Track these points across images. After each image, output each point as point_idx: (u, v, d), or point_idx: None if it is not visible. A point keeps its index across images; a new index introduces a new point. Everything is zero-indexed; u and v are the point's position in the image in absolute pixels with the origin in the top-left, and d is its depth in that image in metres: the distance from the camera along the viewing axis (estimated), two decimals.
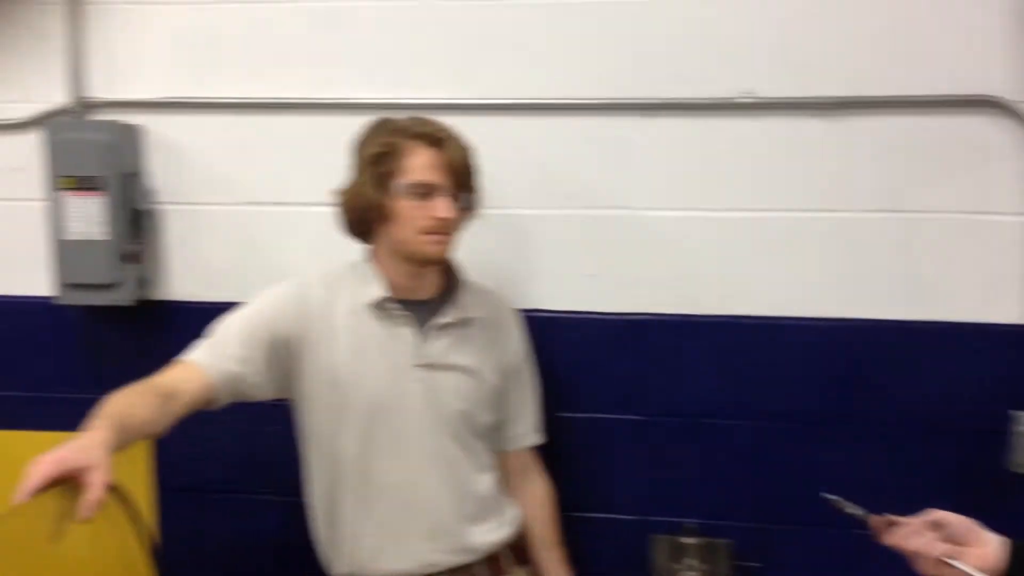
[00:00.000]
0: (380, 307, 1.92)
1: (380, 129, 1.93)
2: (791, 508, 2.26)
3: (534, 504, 2.12)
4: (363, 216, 1.92)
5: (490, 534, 1.98)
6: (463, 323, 1.98)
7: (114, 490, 1.45)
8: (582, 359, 2.29)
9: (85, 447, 1.43)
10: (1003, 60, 2.14)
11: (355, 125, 2.00)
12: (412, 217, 1.86)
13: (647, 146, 2.25)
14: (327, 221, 2.24)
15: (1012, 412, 2.15)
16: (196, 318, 2.32)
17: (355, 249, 2.02)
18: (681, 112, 2.24)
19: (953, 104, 2.16)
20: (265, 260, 2.37)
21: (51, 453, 1.39)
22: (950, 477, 2.20)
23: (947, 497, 2.15)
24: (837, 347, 2.23)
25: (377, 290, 1.92)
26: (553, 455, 2.20)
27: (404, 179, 1.86)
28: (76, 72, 2.37)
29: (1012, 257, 2.17)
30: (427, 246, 1.88)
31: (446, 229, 1.88)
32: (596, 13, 2.24)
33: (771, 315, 2.25)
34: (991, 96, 2.14)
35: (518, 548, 2.06)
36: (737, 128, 2.23)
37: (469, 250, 2.14)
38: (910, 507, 2.18)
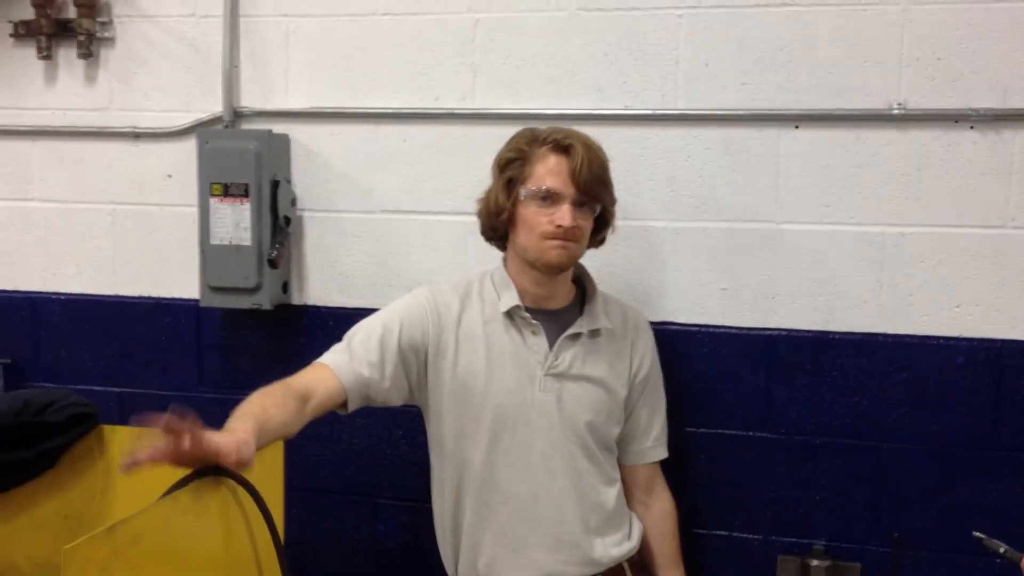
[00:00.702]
0: (513, 316, 1.94)
1: (518, 137, 1.96)
2: (924, 534, 2.18)
3: (657, 519, 2.09)
4: (494, 223, 1.95)
5: (614, 548, 1.97)
6: (594, 334, 1.98)
7: (249, 489, 1.49)
8: (712, 374, 2.25)
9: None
10: None
11: (493, 135, 2.03)
12: (536, 223, 1.88)
13: (790, 158, 2.21)
14: (462, 230, 2.29)
15: None
16: (332, 323, 2.41)
17: (488, 258, 2.04)
18: (827, 124, 2.18)
19: None
20: (400, 268, 2.41)
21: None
22: None
23: None
24: (984, 369, 2.14)
25: (511, 298, 1.93)
26: (678, 470, 2.18)
27: (528, 184, 1.89)
28: (230, 82, 2.47)
29: None
30: (549, 252, 1.88)
31: (569, 236, 1.87)
32: (741, 23, 2.21)
33: (913, 334, 2.17)
34: None
35: (639, 564, 2.05)
36: (885, 140, 2.16)
37: (602, 261, 2.16)
38: None
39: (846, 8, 2.15)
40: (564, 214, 1.85)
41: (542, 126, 1.97)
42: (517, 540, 1.92)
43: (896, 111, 2.13)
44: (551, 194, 1.87)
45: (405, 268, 2.41)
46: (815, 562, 2.17)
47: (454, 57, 2.36)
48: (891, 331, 2.18)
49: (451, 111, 2.36)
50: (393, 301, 1.99)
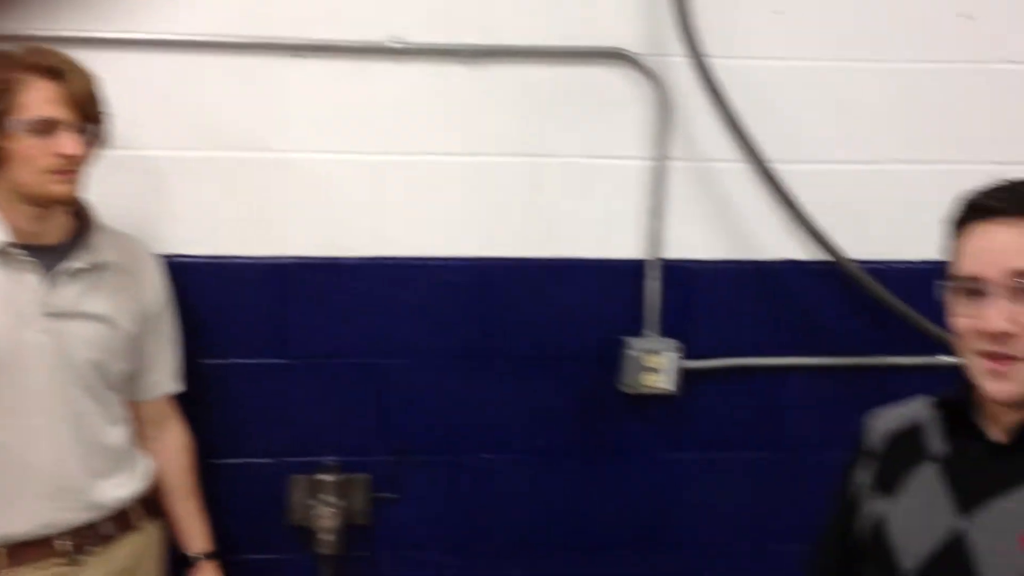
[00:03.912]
0: (2, 254, 1.80)
1: None
2: (427, 440, 2.37)
3: (170, 454, 2.10)
4: None
5: (119, 488, 1.94)
6: (96, 268, 1.90)
7: None
8: (224, 304, 2.26)
9: None
10: (633, 16, 2.29)
11: None
12: (34, 156, 1.75)
13: (296, 88, 2.23)
14: None
15: (625, 338, 2.36)
16: None
17: None
18: (332, 55, 2.23)
19: (585, 56, 2.29)
20: None
21: None
22: (576, 402, 2.41)
23: (574, 420, 2.39)
24: (477, 285, 2.34)
25: (1, 235, 1.80)
26: (194, 402, 2.19)
27: (22, 116, 1.74)
28: None
29: (631, 198, 2.35)
30: (54, 186, 1.77)
31: (73, 166, 1.78)
32: None
33: (416, 256, 2.32)
34: (620, 49, 2.28)
35: (150, 501, 2.04)
36: (387, 72, 2.25)
37: (104, 193, 2.05)
38: (541, 433, 2.38)
39: None
40: (67, 142, 1.75)
41: (13, 46, 1.81)
42: (10, 491, 1.82)
43: (394, 44, 2.23)
44: (49, 123, 1.75)
45: None
46: (325, 477, 2.28)
47: None
48: (398, 254, 2.31)
49: None
50: None
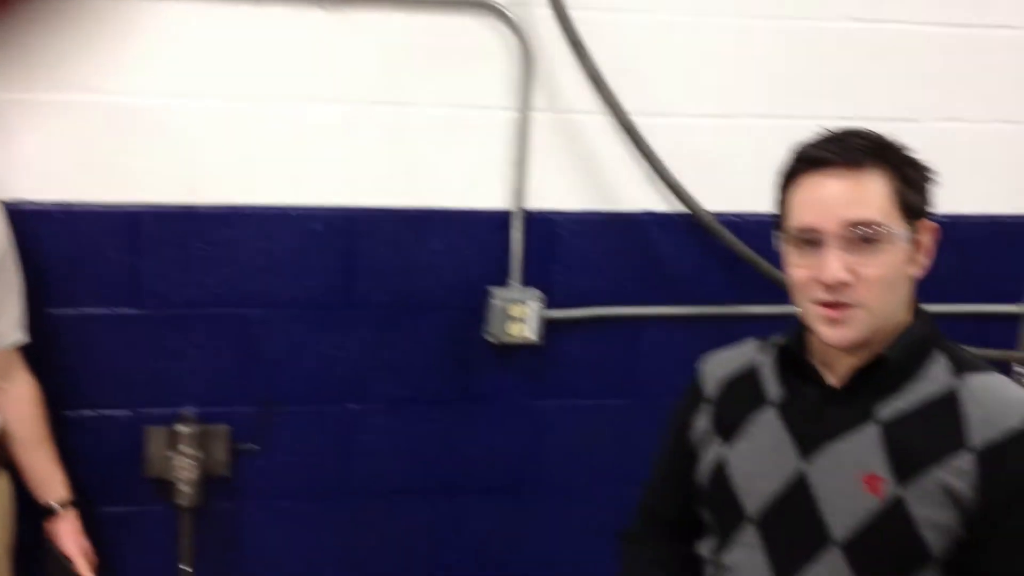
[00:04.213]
0: None
1: None
2: (290, 390, 2.36)
3: (17, 405, 2.04)
4: None
5: None
6: None
7: None
8: (73, 253, 2.19)
9: None
10: None
11: None
12: None
13: (148, 29, 2.15)
14: None
15: (490, 288, 2.38)
16: None
17: None
18: None
19: (449, 4, 2.27)
20: None
21: None
22: (441, 351, 2.42)
23: (438, 369, 2.40)
24: (341, 234, 2.32)
25: None
26: (45, 353, 2.13)
27: None
28: None
29: (495, 149, 2.36)
30: None
31: None
32: None
33: (277, 204, 2.28)
34: (487, 0, 2.27)
35: None
36: (244, 15, 2.18)
37: None
38: (406, 382, 2.39)
39: None
40: None
41: None
42: None
43: None
44: None
45: None
46: (183, 428, 2.24)
47: None
48: (256, 202, 2.27)
49: None
50: None
